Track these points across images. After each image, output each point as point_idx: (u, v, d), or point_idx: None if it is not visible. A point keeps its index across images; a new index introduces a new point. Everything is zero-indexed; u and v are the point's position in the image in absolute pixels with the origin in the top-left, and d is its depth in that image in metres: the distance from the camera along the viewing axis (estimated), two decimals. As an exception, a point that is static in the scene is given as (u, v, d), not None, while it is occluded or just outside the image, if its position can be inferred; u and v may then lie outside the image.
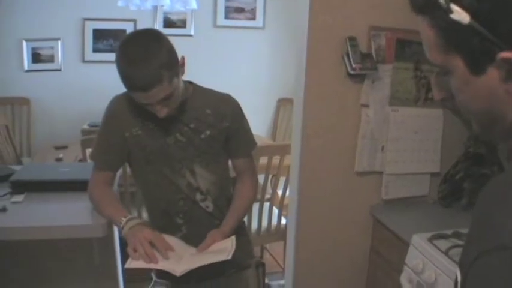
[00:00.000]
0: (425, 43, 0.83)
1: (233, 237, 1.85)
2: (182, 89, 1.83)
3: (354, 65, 2.26)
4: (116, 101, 1.93)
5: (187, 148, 1.89)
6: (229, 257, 1.73)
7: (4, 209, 2.03)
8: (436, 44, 0.80)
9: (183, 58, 1.79)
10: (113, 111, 1.92)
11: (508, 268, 0.65)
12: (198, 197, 1.94)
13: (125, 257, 2.58)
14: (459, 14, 0.74)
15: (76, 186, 2.20)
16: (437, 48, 0.81)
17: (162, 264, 1.71)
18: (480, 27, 0.73)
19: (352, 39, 2.27)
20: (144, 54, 1.66)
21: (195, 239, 1.87)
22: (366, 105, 2.37)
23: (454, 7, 0.74)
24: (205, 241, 1.83)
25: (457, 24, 0.75)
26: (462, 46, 0.77)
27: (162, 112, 1.75)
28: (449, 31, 0.77)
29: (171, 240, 1.83)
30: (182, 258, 1.76)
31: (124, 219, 1.80)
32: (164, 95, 1.70)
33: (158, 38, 1.73)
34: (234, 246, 1.79)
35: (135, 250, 1.72)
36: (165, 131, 1.88)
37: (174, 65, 1.73)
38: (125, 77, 1.68)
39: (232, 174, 2.10)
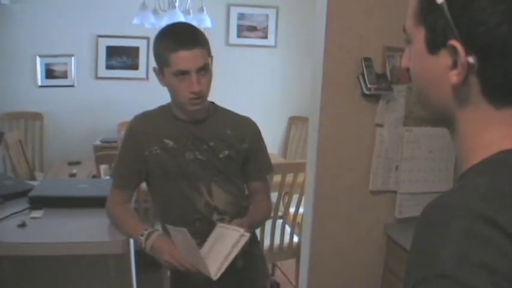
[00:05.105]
0: (409, 7, 0.87)
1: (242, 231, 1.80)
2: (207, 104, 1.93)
3: (369, 86, 2.29)
4: (136, 120, 1.97)
5: (206, 167, 1.91)
6: (247, 233, 1.74)
7: (24, 225, 2.06)
8: (414, 11, 0.84)
9: (212, 57, 1.90)
10: (133, 131, 1.95)
11: None
12: (215, 217, 1.93)
13: (139, 271, 2.62)
14: None
15: (94, 202, 2.22)
16: (413, 15, 0.85)
17: (199, 267, 1.70)
18: (447, 11, 0.77)
19: (367, 60, 2.30)
20: (191, 25, 1.90)
21: None
22: (381, 125, 2.40)
23: None
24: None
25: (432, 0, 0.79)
26: (428, 21, 0.81)
27: (198, 85, 1.78)
28: (426, 3, 0.81)
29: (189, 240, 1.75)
30: (206, 259, 1.71)
31: (142, 238, 1.81)
32: (203, 63, 1.78)
33: None
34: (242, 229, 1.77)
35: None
36: (185, 148, 1.90)
37: (209, 48, 1.86)
38: (171, 37, 1.79)
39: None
